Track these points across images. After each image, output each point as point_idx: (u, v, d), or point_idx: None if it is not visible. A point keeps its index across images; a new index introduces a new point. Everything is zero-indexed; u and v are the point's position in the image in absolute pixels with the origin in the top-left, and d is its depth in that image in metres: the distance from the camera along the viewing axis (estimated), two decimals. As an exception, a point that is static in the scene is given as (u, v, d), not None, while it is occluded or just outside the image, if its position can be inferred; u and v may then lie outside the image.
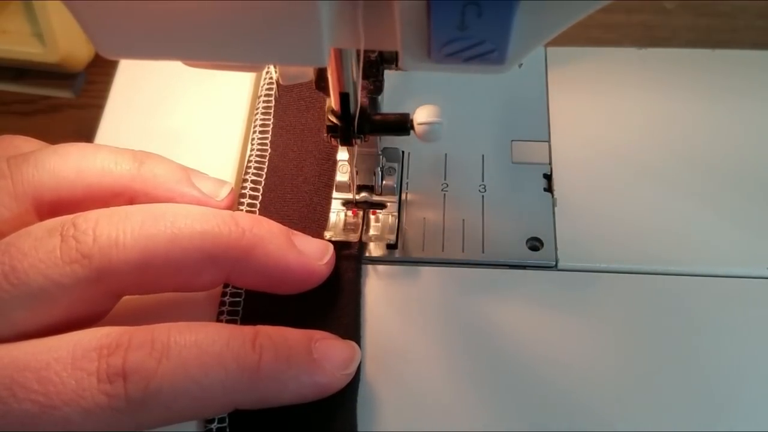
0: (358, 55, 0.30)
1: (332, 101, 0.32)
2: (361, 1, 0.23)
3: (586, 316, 0.34)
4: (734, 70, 0.42)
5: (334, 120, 0.32)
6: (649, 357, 0.33)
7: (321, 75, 0.33)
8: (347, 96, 0.31)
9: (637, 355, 0.33)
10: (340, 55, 0.29)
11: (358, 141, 0.33)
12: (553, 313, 0.35)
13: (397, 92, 0.41)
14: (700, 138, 0.40)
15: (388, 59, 0.32)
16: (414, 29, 0.23)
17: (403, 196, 0.38)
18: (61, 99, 0.50)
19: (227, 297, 0.34)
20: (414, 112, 0.33)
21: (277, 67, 0.31)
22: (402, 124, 0.33)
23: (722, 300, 0.35)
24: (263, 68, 0.31)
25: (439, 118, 0.33)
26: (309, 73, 0.33)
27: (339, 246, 0.36)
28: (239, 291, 0.35)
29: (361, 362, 0.33)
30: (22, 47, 0.48)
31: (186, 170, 0.35)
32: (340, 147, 0.38)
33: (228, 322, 0.34)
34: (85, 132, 0.42)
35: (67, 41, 0.47)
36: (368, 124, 0.33)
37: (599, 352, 0.33)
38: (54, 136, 0.48)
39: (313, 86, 0.33)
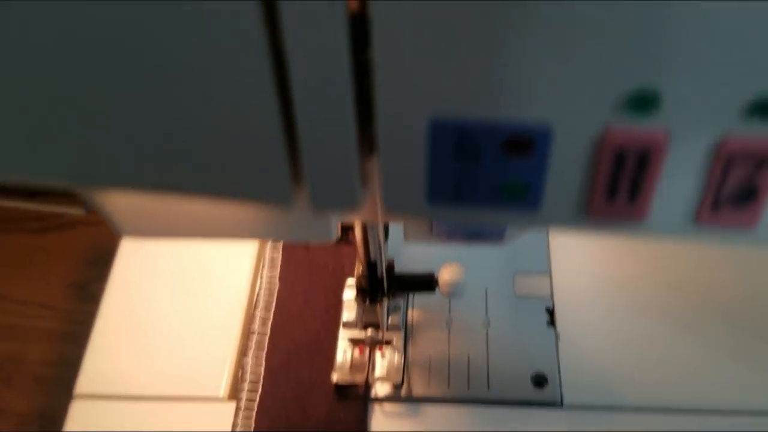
0: (384, 230, 0.32)
1: (360, 268, 0.34)
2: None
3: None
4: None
5: (364, 284, 0.34)
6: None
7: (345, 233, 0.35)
8: (374, 264, 0.33)
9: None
10: (365, 232, 0.31)
11: (385, 300, 0.35)
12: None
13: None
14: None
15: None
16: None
17: (409, 332, 0.39)
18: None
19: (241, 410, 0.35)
20: (438, 272, 0.35)
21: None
22: (428, 284, 0.35)
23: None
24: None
25: (462, 277, 0.34)
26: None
27: (346, 388, 0.36)
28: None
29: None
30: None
31: None
32: (347, 285, 0.39)
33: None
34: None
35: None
36: (395, 284, 0.35)
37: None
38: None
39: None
